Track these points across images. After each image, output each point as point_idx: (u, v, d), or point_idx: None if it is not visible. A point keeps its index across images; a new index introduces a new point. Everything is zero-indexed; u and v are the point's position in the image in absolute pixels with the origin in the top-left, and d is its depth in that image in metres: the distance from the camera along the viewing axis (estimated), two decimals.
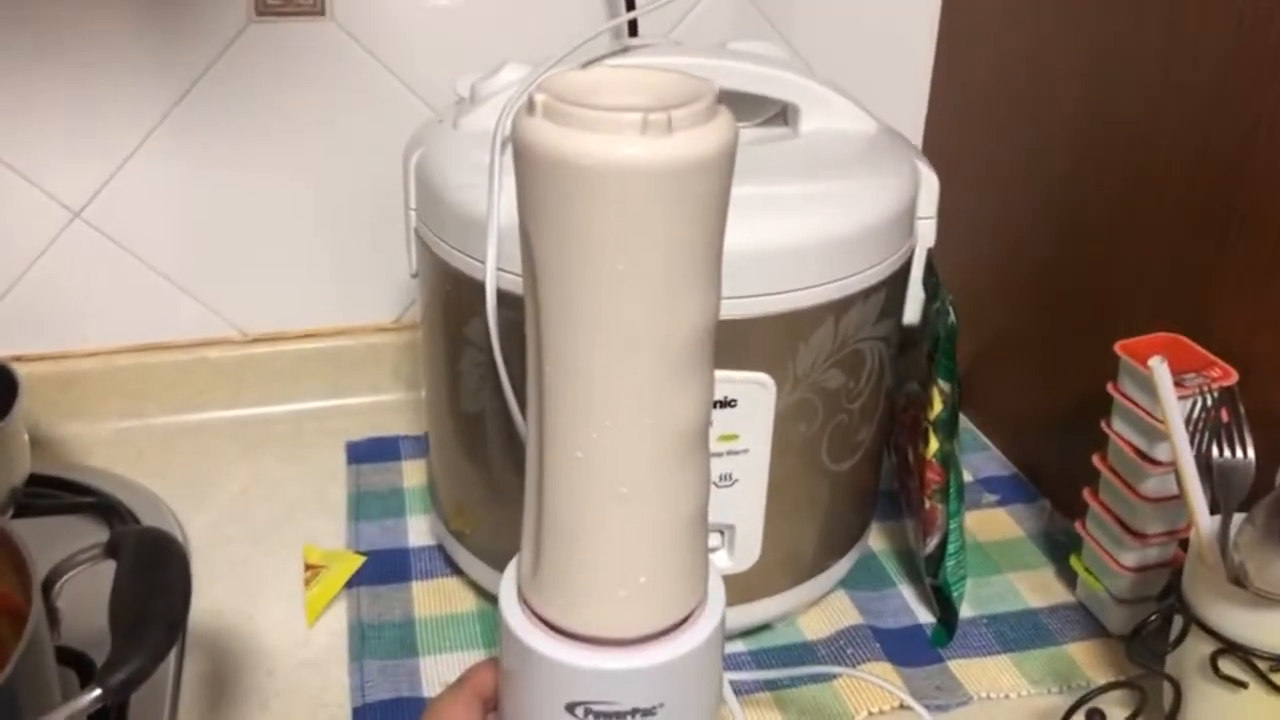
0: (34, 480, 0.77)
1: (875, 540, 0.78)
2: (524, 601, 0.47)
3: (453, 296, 0.63)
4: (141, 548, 0.49)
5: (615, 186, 0.37)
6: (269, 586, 0.73)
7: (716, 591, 0.49)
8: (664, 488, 0.44)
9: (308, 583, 0.73)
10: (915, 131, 0.94)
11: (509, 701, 0.49)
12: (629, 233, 0.38)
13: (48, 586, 0.50)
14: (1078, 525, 0.72)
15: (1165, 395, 0.54)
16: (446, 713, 0.48)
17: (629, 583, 0.45)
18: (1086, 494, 0.71)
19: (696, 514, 0.45)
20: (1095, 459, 0.70)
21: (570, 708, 0.45)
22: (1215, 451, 0.60)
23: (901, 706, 0.65)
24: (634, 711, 0.45)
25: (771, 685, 0.66)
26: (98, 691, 0.43)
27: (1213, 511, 0.58)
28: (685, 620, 0.47)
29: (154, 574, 0.47)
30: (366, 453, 0.87)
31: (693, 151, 0.37)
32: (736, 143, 0.39)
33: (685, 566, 0.46)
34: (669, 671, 0.46)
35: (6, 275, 0.85)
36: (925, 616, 0.72)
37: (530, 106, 0.37)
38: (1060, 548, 0.78)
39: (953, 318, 0.65)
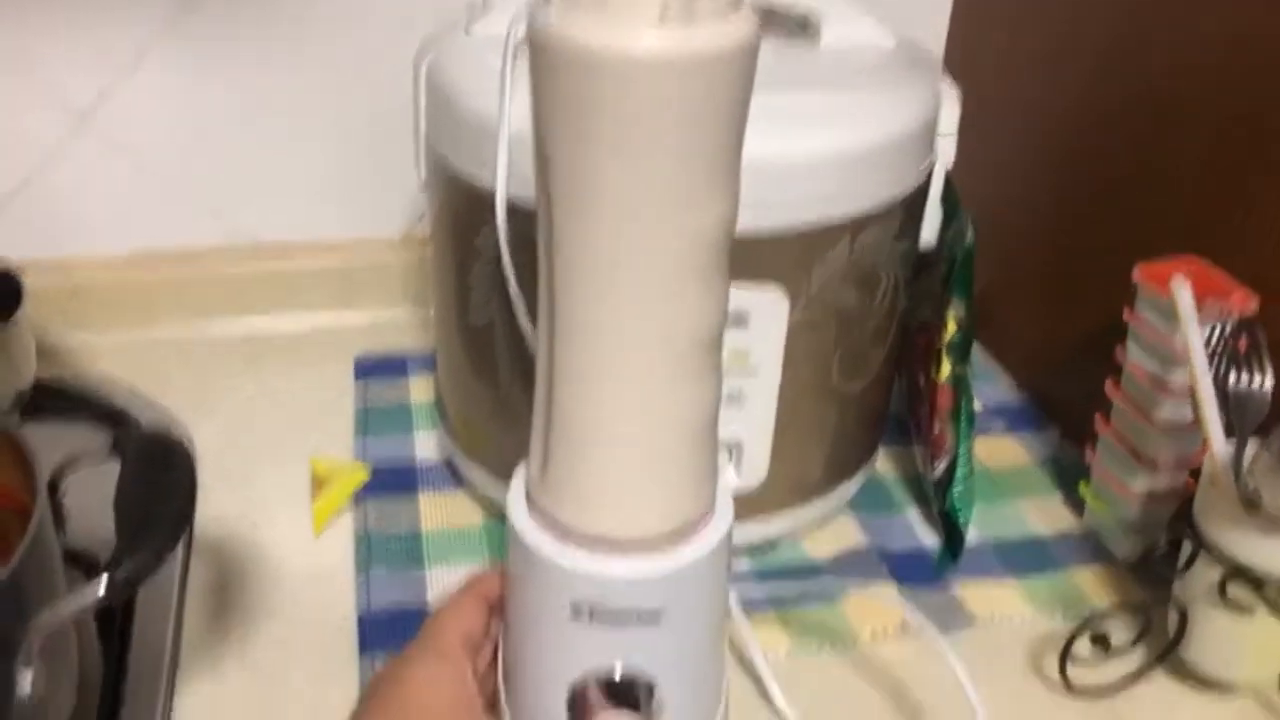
0: (40, 388, 0.76)
1: (883, 465, 0.78)
2: (531, 504, 0.47)
3: (462, 207, 0.62)
4: (147, 448, 0.48)
5: (630, 77, 0.36)
6: (275, 497, 0.73)
7: (725, 501, 0.48)
8: (675, 392, 0.43)
9: (314, 494, 0.73)
10: (936, 46, 0.92)
11: (513, 606, 0.49)
12: (642, 127, 0.37)
13: (53, 484, 0.50)
14: (1087, 452, 0.72)
15: (1186, 316, 0.54)
16: (452, 614, 0.49)
17: (637, 487, 0.44)
18: (1098, 420, 0.70)
19: (706, 422, 0.45)
20: (1108, 386, 0.69)
21: (574, 610, 0.45)
22: (1232, 378, 0.59)
23: (906, 627, 0.65)
24: (638, 615, 0.45)
25: (776, 603, 0.66)
26: (103, 585, 0.43)
27: (1227, 437, 0.58)
28: (692, 527, 0.46)
29: (159, 473, 0.47)
30: (374, 369, 0.86)
31: (713, 43, 0.36)
32: (759, 38, 0.38)
33: (694, 473, 0.45)
34: (675, 577, 0.45)
35: (11, 181, 0.84)
36: (931, 540, 0.72)
37: None
38: (1068, 475, 0.77)
39: (971, 237, 0.64)
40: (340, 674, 0.61)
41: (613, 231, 0.40)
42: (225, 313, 0.90)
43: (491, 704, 0.50)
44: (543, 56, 0.38)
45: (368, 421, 0.80)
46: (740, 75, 0.38)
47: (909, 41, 0.68)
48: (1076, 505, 0.74)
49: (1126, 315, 0.66)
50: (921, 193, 0.64)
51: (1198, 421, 0.57)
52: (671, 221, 0.40)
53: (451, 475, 0.75)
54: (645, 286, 0.41)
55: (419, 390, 0.84)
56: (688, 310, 0.42)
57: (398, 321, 0.92)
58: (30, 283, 0.73)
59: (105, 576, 0.43)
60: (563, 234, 0.41)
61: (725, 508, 0.48)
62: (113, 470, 0.51)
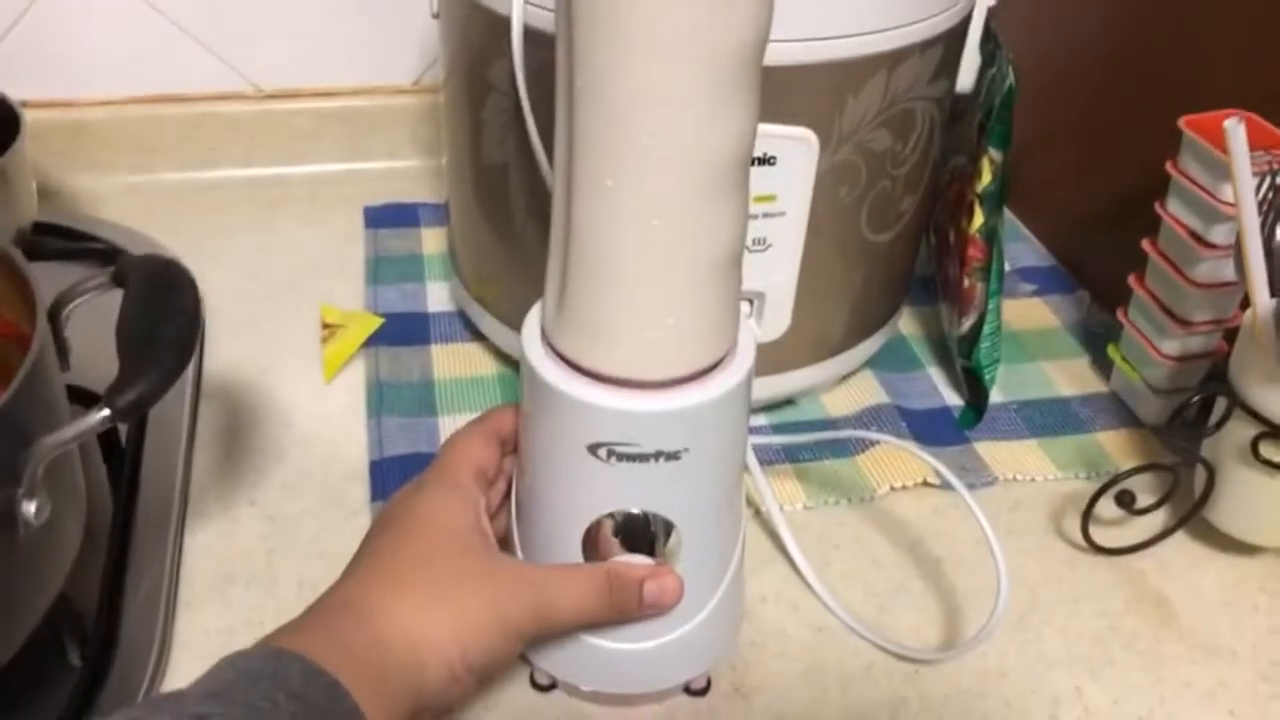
0: (42, 229, 0.75)
1: (906, 325, 0.76)
2: (548, 342, 0.45)
3: (476, 36, 0.59)
4: (149, 274, 0.47)
5: None
6: (285, 343, 0.72)
7: (746, 342, 0.47)
8: (697, 224, 0.41)
9: (325, 340, 0.71)
10: None
11: (529, 445, 0.48)
12: None
13: (54, 314, 0.48)
14: (1119, 313, 0.70)
15: (1238, 158, 0.51)
16: (465, 446, 0.48)
17: (656, 323, 0.43)
18: (1132, 280, 0.68)
19: (729, 257, 0.43)
20: (1145, 243, 0.66)
21: (593, 449, 0.44)
22: (1279, 233, 0.57)
23: (925, 483, 0.64)
24: (658, 454, 0.44)
25: (793, 456, 0.65)
26: (106, 411, 0.42)
27: (1271, 294, 0.56)
28: (713, 368, 0.45)
29: (163, 299, 0.45)
30: (385, 218, 0.84)
31: None
32: None
33: (715, 311, 0.44)
34: (695, 416, 0.44)
35: (8, 16, 0.80)
36: (953, 400, 0.71)
37: None
38: (1097, 340, 0.75)
39: (1012, 80, 0.61)
40: (351, 519, 0.60)
41: (638, 42, 0.37)
42: (232, 158, 0.87)
43: (502, 540, 0.49)
44: None
45: (378, 270, 0.78)
46: None
47: None
48: (1104, 369, 0.73)
49: (1169, 167, 0.63)
50: (961, 31, 0.60)
51: (1241, 274, 0.55)
52: (700, 31, 0.37)
53: (464, 325, 0.73)
54: (671, 105, 0.38)
55: (431, 241, 0.82)
56: (714, 132, 0.40)
57: (408, 171, 0.89)
58: (31, 120, 0.70)
59: (107, 406, 0.41)
60: (584, 49, 0.39)
61: (746, 350, 0.47)
62: (116, 309, 0.49)
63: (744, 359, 0.46)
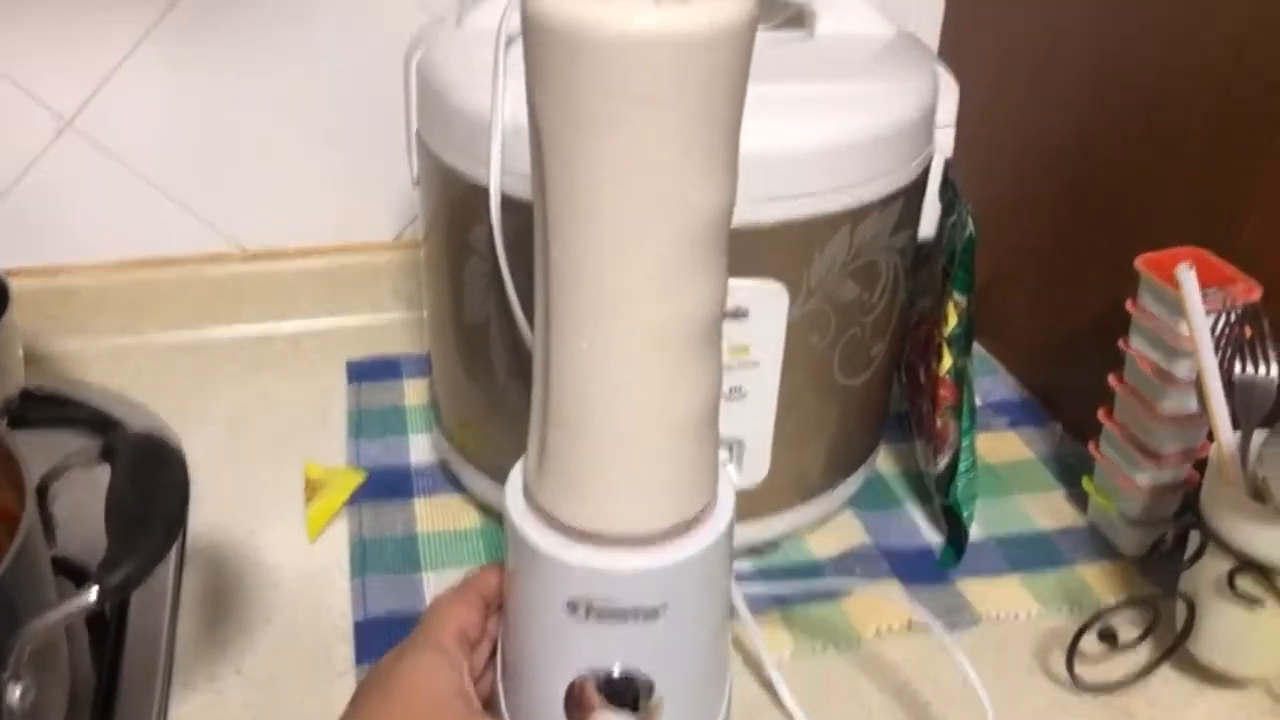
0: (29, 396, 0.75)
1: (883, 462, 0.77)
2: (529, 498, 0.46)
3: (456, 203, 0.61)
4: (137, 451, 0.47)
5: (625, 56, 0.35)
6: (269, 503, 0.72)
7: (726, 496, 0.47)
8: (672, 383, 0.42)
9: (309, 499, 0.72)
10: (931, 37, 0.91)
11: (512, 601, 0.48)
12: (639, 106, 0.36)
13: (42, 490, 0.48)
14: (1090, 446, 0.71)
15: (1192, 304, 0.53)
16: (449, 609, 0.48)
17: (632, 481, 0.43)
18: (1101, 414, 0.69)
19: (705, 414, 0.44)
20: (1111, 378, 0.68)
21: (571, 606, 0.44)
22: (1238, 367, 0.59)
23: (910, 625, 0.64)
24: (636, 611, 0.44)
25: (779, 602, 0.65)
26: (94, 591, 0.42)
27: (1233, 428, 0.57)
28: (692, 522, 0.46)
29: (151, 476, 0.46)
30: (367, 371, 0.85)
31: (709, 21, 0.36)
32: (756, 17, 0.37)
33: (692, 467, 0.45)
34: (673, 573, 0.45)
35: None
36: (934, 538, 0.71)
37: None
38: (1071, 470, 0.76)
39: (971, 228, 0.64)
40: (338, 680, 0.60)
41: (609, 213, 0.39)
42: (216, 318, 0.89)
43: (487, 702, 0.49)
44: (538, 34, 0.37)
45: (361, 425, 0.79)
46: (736, 53, 0.38)
47: (905, 31, 0.67)
48: (1080, 500, 0.74)
49: (1129, 306, 0.65)
50: (920, 184, 0.63)
51: (1205, 411, 0.56)
52: (669, 202, 0.39)
53: (447, 478, 0.74)
54: (642, 271, 0.40)
55: (412, 393, 0.83)
56: (685, 295, 0.41)
57: (390, 324, 0.91)
58: (17, 289, 0.72)
59: (96, 583, 0.41)
60: (558, 219, 0.40)
61: (726, 503, 0.47)
62: (103, 477, 0.50)
63: (723, 513, 0.47)
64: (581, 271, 0.41)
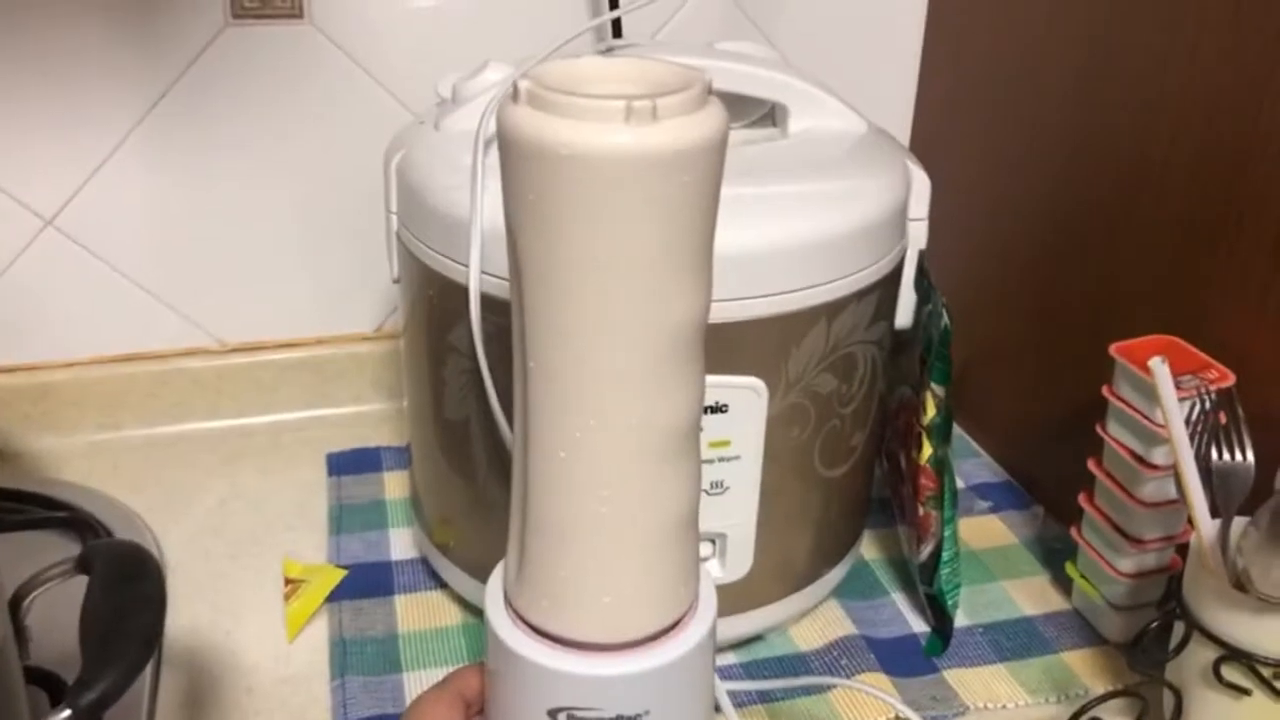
0: (4, 495, 0.75)
1: (868, 548, 0.77)
2: (509, 603, 0.46)
3: (436, 301, 0.61)
4: (114, 562, 0.47)
5: (597, 175, 0.36)
6: (248, 601, 0.71)
7: (707, 598, 0.47)
8: (650, 491, 0.42)
9: (288, 597, 0.71)
10: (903, 133, 0.93)
11: (493, 706, 0.47)
12: (612, 223, 0.37)
13: (16, 603, 0.48)
14: (1073, 531, 0.71)
15: (1166, 396, 0.53)
16: (428, 710, 0.47)
17: (613, 588, 0.43)
18: (1082, 499, 0.69)
19: (685, 518, 0.44)
20: (1091, 464, 0.68)
21: (553, 714, 0.44)
22: (1214, 454, 0.59)
23: (897, 718, 0.63)
24: (618, 719, 0.44)
25: (765, 697, 0.64)
26: (68, 712, 0.42)
27: (1213, 515, 0.57)
28: (674, 626, 0.45)
29: (127, 589, 0.45)
30: (347, 464, 0.85)
31: (679, 140, 0.36)
32: (727, 134, 0.38)
33: (673, 572, 0.44)
34: (654, 679, 0.44)
35: None
36: (919, 625, 0.71)
37: (515, 93, 0.36)
38: (1055, 554, 0.76)
39: (946, 320, 0.64)
40: None
41: (586, 325, 0.39)
42: (195, 413, 0.88)
43: None
44: (512, 153, 0.38)
45: (341, 520, 0.79)
46: (708, 170, 0.38)
47: (877, 127, 0.68)
48: (1064, 585, 0.73)
49: (1106, 392, 0.66)
50: (895, 276, 0.64)
51: (1183, 501, 0.56)
52: (644, 314, 0.39)
53: (428, 573, 0.73)
54: (617, 381, 0.40)
55: (393, 486, 0.83)
56: (662, 403, 0.41)
57: (371, 415, 0.91)
58: None
59: (69, 707, 0.41)
60: (534, 328, 0.40)
61: (708, 604, 0.47)
62: (78, 584, 0.49)
63: (705, 615, 0.47)
64: (556, 381, 0.41)
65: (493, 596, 0.47)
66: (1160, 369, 0.53)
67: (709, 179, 0.38)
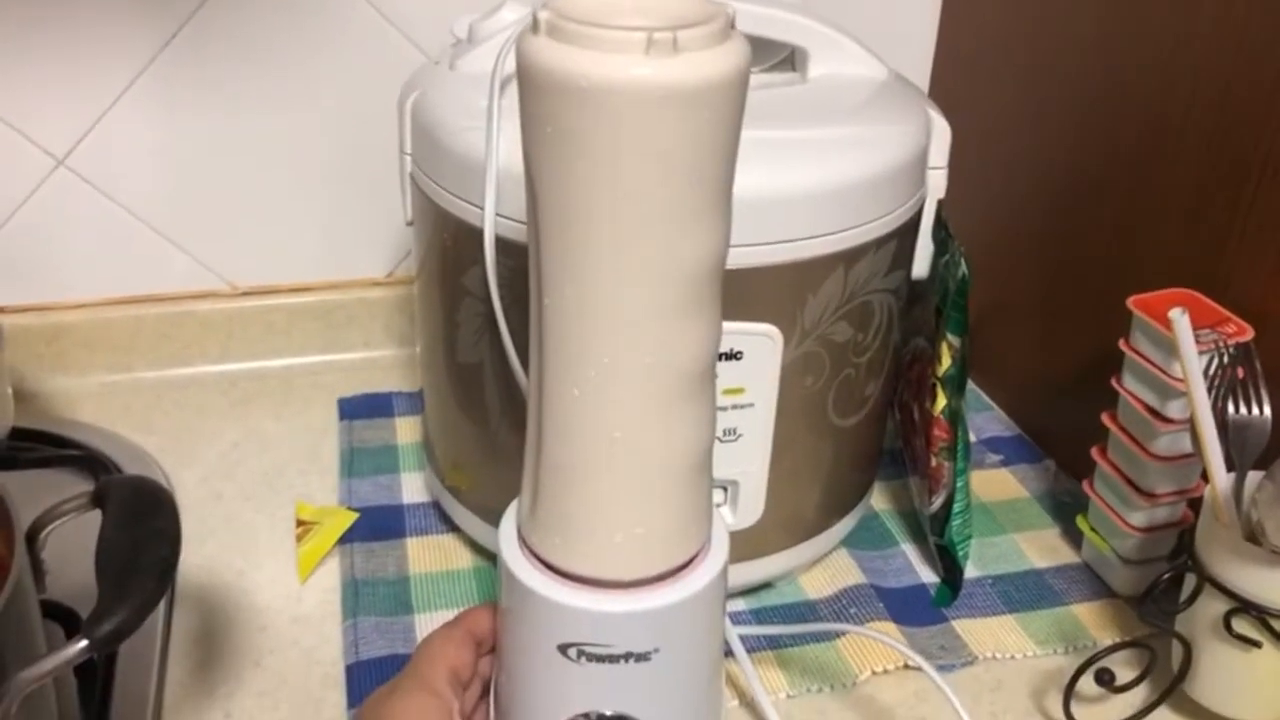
0: (18, 434, 0.75)
1: (877, 499, 0.77)
2: (523, 540, 0.46)
3: (450, 244, 0.61)
4: (129, 497, 0.47)
5: (615, 108, 0.36)
6: (260, 543, 0.72)
7: (720, 540, 0.47)
8: (663, 432, 0.42)
9: (300, 539, 0.71)
10: (921, 81, 0.92)
11: (505, 641, 0.48)
12: (629, 158, 0.36)
13: (32, 537, 0.48)
14: (1084, 485, 0.71)
15: (1186, 348, 0.53)
16: (439, 648, 0.48)
17: (624, 527, 0.43)
18: (1095, 453, 0.69)
19: (697, 460, 0.44)
20: (1104, 417, 0.68)
21: (563, 648, 0.44)
22: (1231, 408, 0.59)
23: (906, 666, 0.63)
24: (627, 655, 0.44)
25: (774, 643, 0.65)
26: (84, 643, 0.42)
27: (1228, 469, 0.57)
28: (685, 566, 0.45)
29: (142, 523, 0.46)
30: (359, 408, 0.85)
31: (699, 74, 0.36)
32: (749, 70, 0.37)
33: (685, 513, 0.44)
34: (663, 617, 0.44)
35: None
36: (928, 576, 0.71)
37: (535, 24, 0.36)
38: (1065, 508, 0.76)
39: (964, 270, 0.64)
40: None
41: (603, 261, 0.39)
42: (207, 355, 0.88)
43: None
44: (530, 85, 0.37)
45: (352, 463, 0.79)
46: (728, 106, 0.38)
47: (898, 73, 0.67)
48: (1074, 539, 0.73)
49: (1123, 345, 0.65)
50: (914, 225, 0.63)
51: (1198, 454, 0.56)
52: (663, 250, 0.39)
53: (439, 517, 0.74)
54: (634, 319, 0.40)
55: (405, 431, 0.83)
56: (678, 343, 0.41)
57: (382, 361, 0.91)
58: (7, 326, 0.71)
59: (86, 637, 0.41)
60: (551, 266, 0.40)
61: (721, 547, 0.47)
62: (93, 519, 0.50)
63: (717, 557, 0.47)
64: (570, 318, 0.41)
65: (507, 533, 0.47)
66: (1180, 321, 0.53)
67: (729, 115, 0.38)
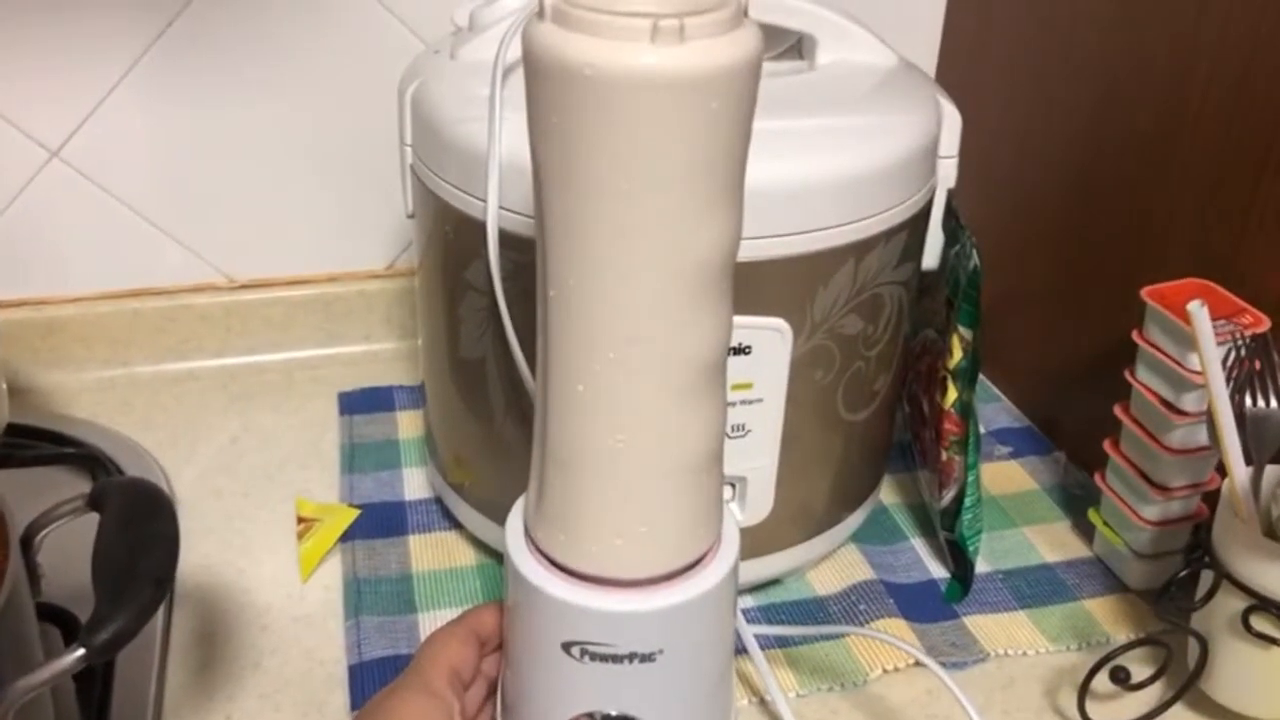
0: (14, 430, 0.74)
1: (886, 494, 0.76)
2: (528, 537, 0.45)
3: (451, 238, 0.60)
4: (126, 499, 0.46)
5: (619, 98, 0.34)
6: (260, 541, 0.71)
7: (730, 539, 0.46)
8: (669, 428, 0.41)
9: (301, 536, 0.70)
10: (929, 68, 0.91)
11: (512, 639, 0.47)
12: (635, 148, 0.35)
13: (27, 540, 0.47)
14: (1096, 478, 0.70)
15: (1205, 342, 0.52)
16: (441, 647, 0.47)
17: (629, 524, 0.42)
18: (1107, 445, 0.68)
19: (705, 458, 0.43)
20: (1117, 409, 0.67)
21: (566, 647, 0.44)
22: (1248, 401, 0.57)
23: (917, 663, 0.63)
24: (632, 655, 0.43)
25: (783, 642, 0.64)
26: (81, 651, 0.41)
27: (1245, 463, 0.56)
28: (693, 566, 0.44)
29: (140, 527, 0.45)
30: (360, 403, 0.84)
31: (706, 63, 0.35)
32: (760, 58, 0.36)
33: (692, 511, 0.43)
34: (668, 617, 0.43)
35: None
36: (939, 571, 0.70)
37: (541, 10, 0.35)
38: (1076, 501, 0.75)
39: (976, 261, 0.63)
40: None
41: (608, 253, 0.38)
42: (205, 349, 0.87)
43: None
44: (535, 73, 0.36)
45: (354, 459, 0.78)
46: (738, 96, 0.36)
47: (907, 61, 0.66)
48: (1085, 532, 0.73)
49: (1136, 337, 0.64)
50: (924, 216, 0.62)
51: (1216, 447, 0.55)
52: (666, 246, 0.38)
53: (442, 513, 0.73)
54: (642, 314, 0.39)
55: (406, 425, 0.82)
56: (687, 338, 0.40)
57: (384, 353, 0.90)
58: (1, 320, 0.70)
59: (83, 646, 0.40)
60: (557, 258, 0.39)
61: (730, 545, 0.46)
62: (89, 521, 0.49)
63: (726, 556, 0.46)
64: (576, 312, 0.40)
65: (513, 529, 0.46)
66: (1200, 314, 0.52)
67: (739, 105, 0.37)
